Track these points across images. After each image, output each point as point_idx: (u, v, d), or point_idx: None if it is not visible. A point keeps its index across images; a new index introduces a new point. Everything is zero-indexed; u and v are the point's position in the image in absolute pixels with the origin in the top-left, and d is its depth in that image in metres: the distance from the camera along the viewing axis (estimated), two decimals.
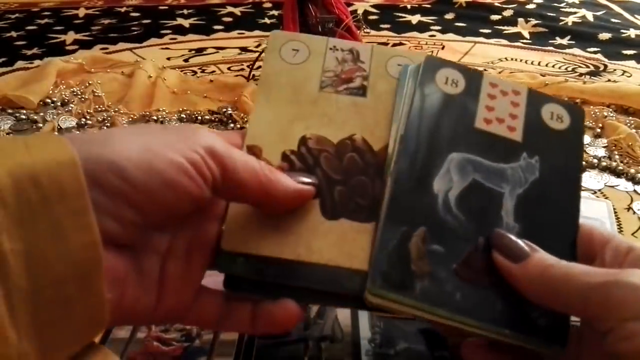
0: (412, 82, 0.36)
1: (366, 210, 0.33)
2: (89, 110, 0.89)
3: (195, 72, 1.07)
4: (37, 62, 1.10)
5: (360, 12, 1.36)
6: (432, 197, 0.33)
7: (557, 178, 0.34)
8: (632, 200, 0.66)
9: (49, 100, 0.90)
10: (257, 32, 1.30)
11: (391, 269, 0.31)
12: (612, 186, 0.69)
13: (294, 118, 0.35)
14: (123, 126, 0.29)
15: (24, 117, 0.85)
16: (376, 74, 0.37)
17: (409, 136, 0.34)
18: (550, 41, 1.23)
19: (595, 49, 1.17)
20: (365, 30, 1.07)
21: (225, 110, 0.88)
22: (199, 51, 1.18)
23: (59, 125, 0.84)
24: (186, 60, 1.13)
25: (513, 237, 0.31)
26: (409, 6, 1.47)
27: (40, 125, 0.83)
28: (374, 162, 0.35)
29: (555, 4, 1.46)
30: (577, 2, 1.47)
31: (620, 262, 0.30)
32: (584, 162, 0.72)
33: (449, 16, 1.40)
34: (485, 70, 1.06)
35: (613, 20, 1.36)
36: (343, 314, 0.44)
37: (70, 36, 1.27)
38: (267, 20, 1.38)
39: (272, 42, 0.38)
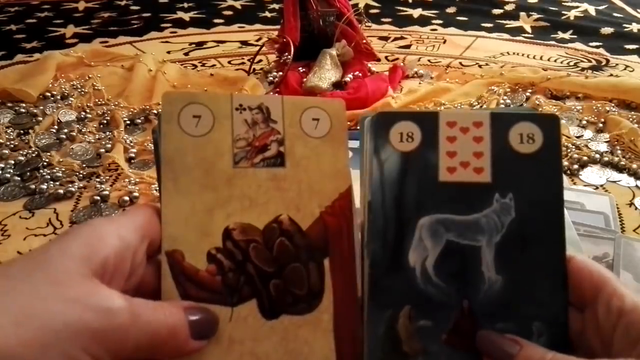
0: (369, 140, 0.34)
1: (304, 300, 0.32)
2: (88, 104, 0.88)
3: (195, 66, 1.07)
4: (36, 56, 1.09)
5: (361, 5, 1.35)
6: (410, 271, 0.32)
7: (535, 211, 0.32)
8: (634, 196, 0.66)
9: (49, 94, 0.90)
10: (257, 26, 1.30)
11: (385, 355, 0.32)
12: (614, 181, 0.69)
13: (211, 206, 0.32)
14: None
15: (23, 110, 0.85)
16: (291, 135, 0.34)
17: (375, 211, 0.33)
18: (552, 35, 1.23)
19: (598, 44, 1.17)
20: (366, 24, 1.06)
21: None
22: (199, 45, 1.18)
23: (58, 118, 0.83)
24: (186, 54, 1.13)
25: (497, 338, 0.31)
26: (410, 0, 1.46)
27: (40, 118, 0.83)
28: (304, 244, 0.33)
29: None
30: None
31: (613, 325, 0.29)
32: (586, 157, 0.72)
33: (451, 10, 1.40)
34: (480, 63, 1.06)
35: (615, 14, 1.35)
36: None
37: (70, 29, 1.27)
38: (267, 14, 1.37)
39: (166, 108, 0.32)
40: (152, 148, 0.75)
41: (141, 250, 0.29)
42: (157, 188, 0.33)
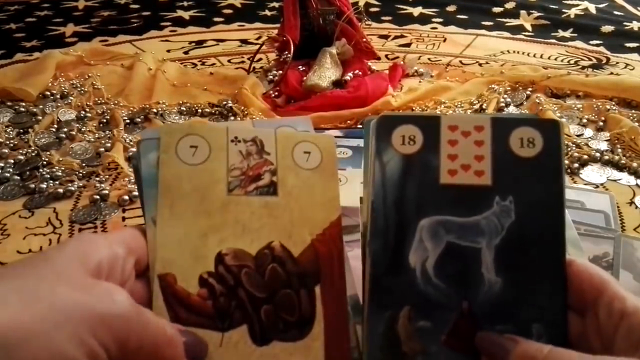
0: (374, 142, 0.34)
1: (295, 327, 0.33)
2: (88, 103, 0.88)
3: (195, 65, 1.07)
4: (36, 54, 1.09)
5: (361, 4, 1.35)
6: (410, 272, 0.32)
7: (535, 215, 0.32)
8: (634, 195, 0.66)
9: (49, 93, 0.90)
10: (257, 25, 1.30)
11: (384, 355, 0.32)
12: (615, 180, 0.69)
13: (205, 231, 0.32)
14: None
15: (23, 109, 0.85)
16: (284, 166, 0.35)
17: (376, 212, 0.33)
18: (552, 34, 1.23)
19: (598, 42, 1.16)
20: (366, 22, 1.06)
21: (225, 103, 0.87)
22: (199, 43, 1.18)
23: (58, 117, 0.83)
24: (186, 53, 1.13)
25: (494, 337, 0.31)
26: None
27: (40, 117, 0.83)
28: (295, 270, 0.33)
29: None
30: None
31: (615, 327, 0.29)
32: (587, 155, 0.72)
33: (451, 8, 1.39)
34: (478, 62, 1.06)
35: (616, 12, 1.35)
36: None
37: (70, 28, 1.27)
38: (267, 13, 1.37)
39: (165, 139, 0.33)
40: None
41: (129, 264, 0.30)
42: (142, 211, 0.33)
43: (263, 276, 0.33)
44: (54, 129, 0.80)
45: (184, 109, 0.87)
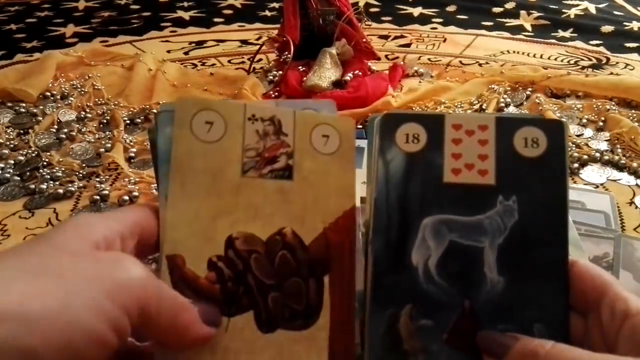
0: (377, 140, 0.34)
1: (301, 316, 0.32)
2: (88, 104, 0.88)
3: (195, 65, 1.07)
4: (36, 55, 1.09)
5: (361, 4, 1.35)
6: (412, 270, 0.32)
7: (538, 215, 0.32)
8: (634, 195, 0.66)
9: (49, 94, 0.90)
10: (257, 25, 1.30)
11: (385, 354, 0.32)
12: (615, 180, 0.69)
13: (216, 213, 0.31)
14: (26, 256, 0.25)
15: (23, 110, 0.85)
16: (301, 149, 0.34)
17: (379, 210, 0.33)
18: (552, 34, 1.23)
19: (598, 42, 1.17)
20: (366, 22, 1.06)
21: None
22: (199, 44, 1.18)
23: (58, 118, 0.83)
24: (186, 53, 1.13)
25: (495, 335, 0.31)
26: None
27: (40, 118, 0.83)
28: (305, 259, 0.33)
29: None
30: None
31: (618, 328, 0.29)
32: (587, 155, 0.72)
33: (451, 8, 1.39)
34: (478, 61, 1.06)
35: (616, 12, 1.35)
36: None
37: (70, 29, 1.27)
38: (267, 13, 1.37)
39: (180, 113, 0.31)
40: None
41: (130, 243, 0.29)
42: (157, 187, 0.33)
43: (272, 263, 0.32)
44: (54, 130, 0.80)
45: None
